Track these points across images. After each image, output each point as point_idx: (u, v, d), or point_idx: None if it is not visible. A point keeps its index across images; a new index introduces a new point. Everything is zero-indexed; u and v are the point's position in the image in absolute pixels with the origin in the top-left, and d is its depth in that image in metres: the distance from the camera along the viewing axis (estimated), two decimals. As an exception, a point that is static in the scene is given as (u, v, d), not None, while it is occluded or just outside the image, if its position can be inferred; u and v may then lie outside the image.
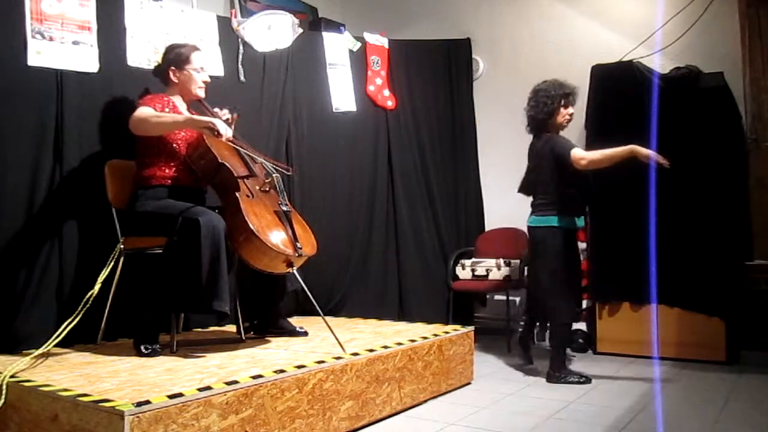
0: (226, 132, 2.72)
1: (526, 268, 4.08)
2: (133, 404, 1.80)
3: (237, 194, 2.73)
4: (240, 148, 2.91)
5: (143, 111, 2.77)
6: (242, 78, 3.68)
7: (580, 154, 3.16)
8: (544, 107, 3.29)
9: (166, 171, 2.85)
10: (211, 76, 3.39)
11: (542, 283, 3.31)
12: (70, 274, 2.92)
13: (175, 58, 2.95)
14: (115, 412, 1.77)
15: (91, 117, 3.04)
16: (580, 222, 3.38)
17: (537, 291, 3.42)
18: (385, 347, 2.74)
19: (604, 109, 3.93)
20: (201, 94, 2.99)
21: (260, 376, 2.18)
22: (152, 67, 3.18)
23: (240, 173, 2.84)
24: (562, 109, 3.29)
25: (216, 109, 3.04)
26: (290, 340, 3.01)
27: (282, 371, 2.26)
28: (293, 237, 2.78)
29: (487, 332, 4.44)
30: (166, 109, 2.85)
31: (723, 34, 3.90)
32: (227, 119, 3.07)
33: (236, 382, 2.09)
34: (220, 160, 2.79)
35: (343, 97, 4.21)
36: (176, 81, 2.95)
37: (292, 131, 3.96)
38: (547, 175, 3.30)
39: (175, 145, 2.87)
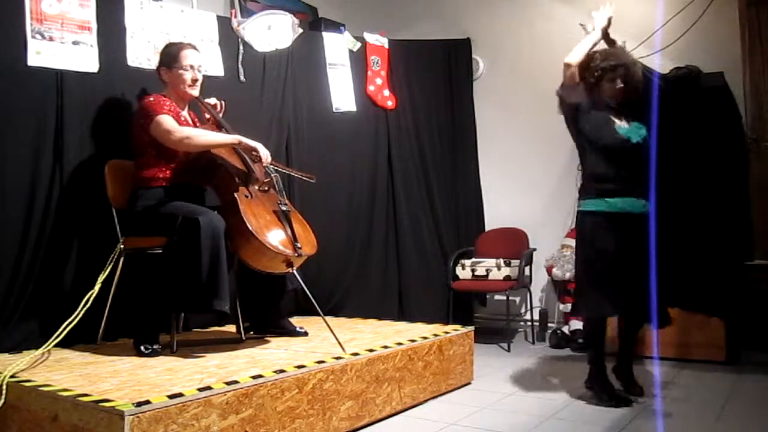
0: (267, 158, 2.83)
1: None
2: (133, 404, 1.80)
3: (235, 195, 2.73)
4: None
5: (176, 125, 2.76)
6: (242, 78, 3.68)
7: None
8: (590, 77, 2.94)
9: (166, 171, 2.85)
10: (211, 76, 3.40)
11: (575, 273, 3.04)
12: (70, 274, 2.92)
13: (165, 57, 2.93)
14: (115, 412, 1.77)
15: (91, 117, 3.04)
16: (623, 204, 2.82)
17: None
18: (385, 347, 2.74)
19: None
20: (192, 93, 2.94)
21: (260, 376, 2.18)
22: (152, 67, 3.19)
23: (238, 173, 2.84)
24: (605, 83, 2.89)
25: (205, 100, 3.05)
26: (290, 340, 3.00)
27: (282, 371, 2.26)
28: (292, 237, 2.77)
29: (487, 332, 4.44)
30: (174, 117, 2.84)
31: (723, 34, 3.91)
32: (215, 104, 3.08)
33: (236, 382, 2.09)
34: (218, 161, 2.79)
35: (343, 97, 4.21)
36: (167, 81, 2.94)
37: (292, 131, 3.95)
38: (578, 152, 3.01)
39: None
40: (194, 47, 3.00)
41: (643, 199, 2.86)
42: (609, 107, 2.92)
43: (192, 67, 2.92)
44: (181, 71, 2.90)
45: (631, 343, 3.04)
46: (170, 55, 2.92)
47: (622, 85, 2.87)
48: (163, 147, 2.83)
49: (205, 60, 3.11)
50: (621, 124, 2.90)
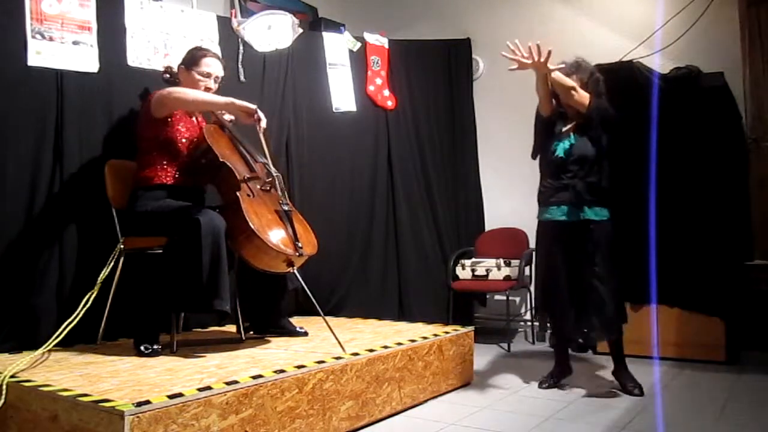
0: (265, 121, 2.85)
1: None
2: (133, 404, 1.80)
3: (238, 193, 2.73)
4: (241, 148, 2.89)
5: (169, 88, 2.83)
6: (242, 78, 3.68)
7: None
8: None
9: (168, 171, 2.85)
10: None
11: None
12: (70, 274, 2.92)
13: (188, 58, 2.98)
14: (115, 412, 1.77)
15: (91, 117, 3.04)
16: (544, 213, 3.07)
17: None
18: (385, 347, 2.74)
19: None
20: None
21: (260, 376, 2.18)
22: (152, 67, 3.19)
23: (241, 172, 2.84)
24: None
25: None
26: (290, 340, 3.00)
27: (282, 371, 2.26)
28: (294, 236, 2.78)
29: (487, 332, 4.44)
30: (181, 115, 2.90)
31: (723, 34, 3.90)
32: (230, 120, 3.09)
33: (236, 382, 2.09)
34: (221, 159, 2.79)
35: (343, 97, 4.21)
36: (182, 81, 2.95)
37: (292, 131, 3.95)
38: None
39: (179, 144, 2.88)
40: (219, 58, 3.04)
41: (566, 207, 2.98)
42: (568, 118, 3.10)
43: (209, 75, 2.96)
44: (198, 76, 2.94)
45: (614, 350, 3.09)
46: (193, 58, 2.97)
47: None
48: (165, 145, 2.84)
49: (223, 71, 3.09)
50: (563, 136, 3.06)
